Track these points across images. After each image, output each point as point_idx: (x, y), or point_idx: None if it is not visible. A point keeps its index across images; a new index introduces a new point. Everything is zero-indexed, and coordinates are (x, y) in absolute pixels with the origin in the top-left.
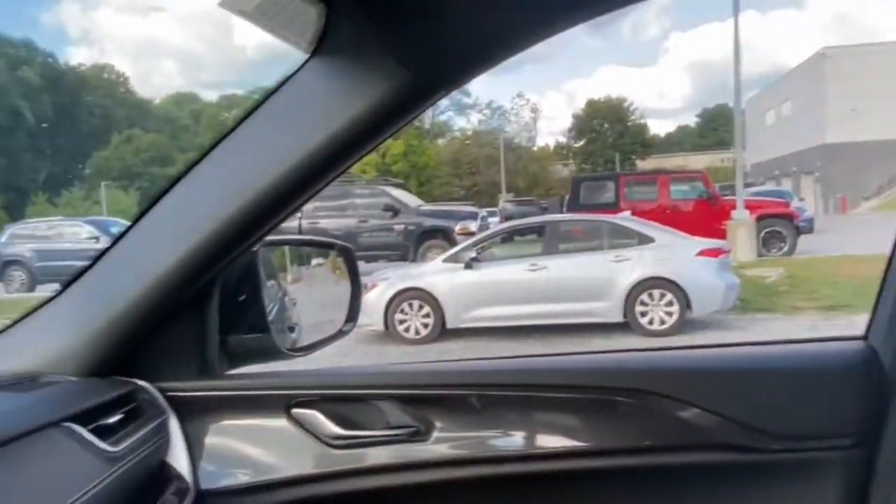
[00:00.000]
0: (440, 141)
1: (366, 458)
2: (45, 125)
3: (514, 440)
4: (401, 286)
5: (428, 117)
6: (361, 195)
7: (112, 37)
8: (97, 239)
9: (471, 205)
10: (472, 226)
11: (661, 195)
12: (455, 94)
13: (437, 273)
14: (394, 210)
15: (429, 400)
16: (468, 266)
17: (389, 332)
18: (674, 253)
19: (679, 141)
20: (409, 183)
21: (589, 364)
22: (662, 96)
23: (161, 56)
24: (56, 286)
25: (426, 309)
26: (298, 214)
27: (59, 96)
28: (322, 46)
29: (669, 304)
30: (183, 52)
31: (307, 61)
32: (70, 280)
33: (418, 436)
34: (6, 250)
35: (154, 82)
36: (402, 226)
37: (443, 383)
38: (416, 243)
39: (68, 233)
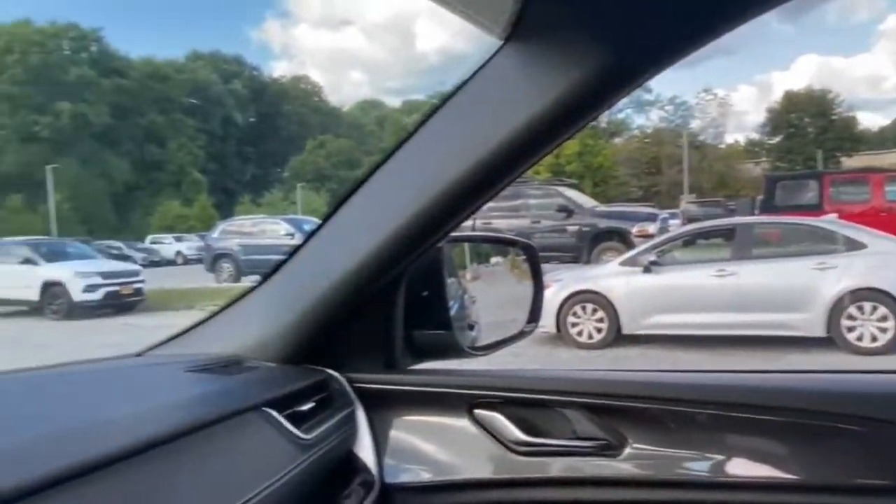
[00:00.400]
0: (617, 140)
1: (550, 468)
2: (251, 133)
3: (714, 464)
4: (574, 288)
5: (604, 115)
6: (534, 195)
7: (308, 50)
8: (292, 235)
9: (649, 206)
10: (651, 228)
11: (875, 196)
12: (634, 91)
13: (613, 276)
14: (567, 211)
15: (621, 411)
16: (647, 270)
17: (561, 335)
18: (890, 261)
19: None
20: (584, 183)
21: (806, 384)
22: (875, 86)
23: (350, 66)
24: (257, 277)
25: (600, 313)
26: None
27: (262, 106)
28: (517, 30)
29: (883, 318)
30: (369, 62)
31: (501, 48)
32: (268, 273)
33: (608, 450)
34: (217, 244)
35: (343, 91)
36: (576, 227)
37: (636, 394)
38: (590, 245)
39: (269, 230)
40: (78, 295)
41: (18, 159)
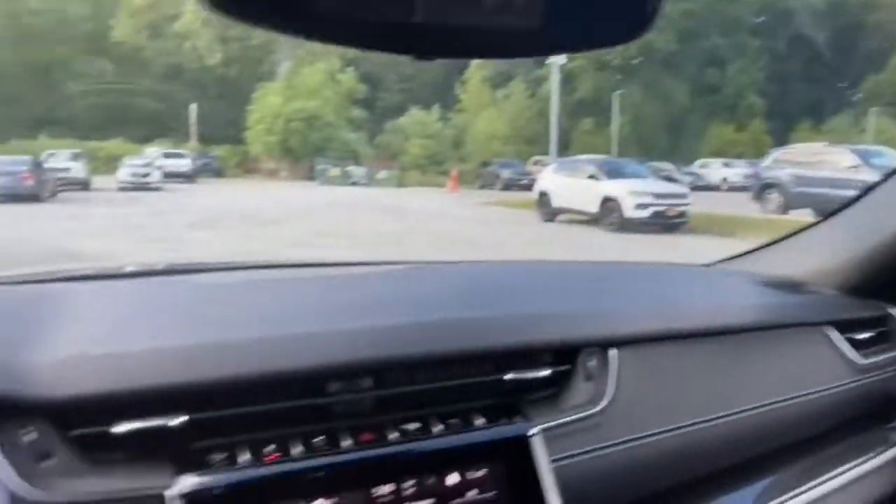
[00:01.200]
0: None
1: None
2: (821, 50)
3: None
4: None
5: None
6: None
7: None
8: (856, 168)
9: None
10: None
11: None
12: None
13: None
14: None
15: None
16: None
17: None
18: None
19: None
20: None
21: None
22: None
23: None
24: (806, 212)
25: None
26: None
27: (839, 19)
28: None
29: None
30: None
31: None
32: (839, 207)
33: None
34: (767, 173)
35: None
36: None
37: None
38: None
39: (828, 161)
40: (629, 211)
41: (592, 86)
